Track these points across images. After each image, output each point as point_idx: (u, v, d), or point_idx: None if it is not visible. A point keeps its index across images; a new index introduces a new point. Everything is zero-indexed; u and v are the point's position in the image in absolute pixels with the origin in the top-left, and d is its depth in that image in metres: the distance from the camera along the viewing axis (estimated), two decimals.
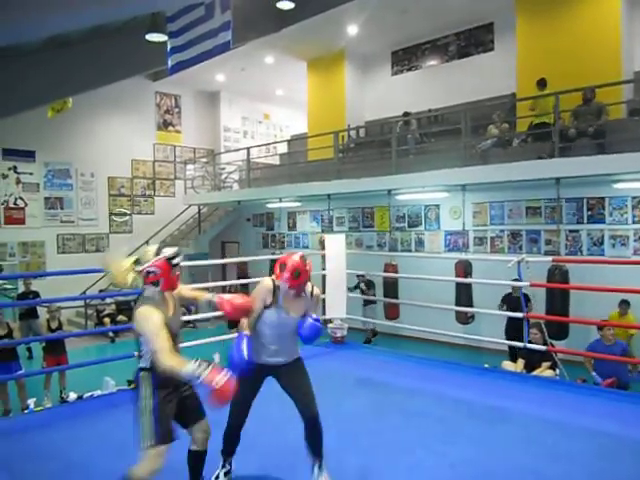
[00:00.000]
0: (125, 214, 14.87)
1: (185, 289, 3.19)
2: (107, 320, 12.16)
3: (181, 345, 4.70)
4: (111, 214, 14.61)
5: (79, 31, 8.17)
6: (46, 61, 8.62)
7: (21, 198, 13.04)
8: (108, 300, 12.62)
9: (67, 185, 13.76)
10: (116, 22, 8.50)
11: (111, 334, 11.42)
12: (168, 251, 2.83)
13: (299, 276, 3.12)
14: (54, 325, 7.64)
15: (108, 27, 8.64)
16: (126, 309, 12.73)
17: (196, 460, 3.04)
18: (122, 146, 14.62)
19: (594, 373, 6.56)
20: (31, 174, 13.16)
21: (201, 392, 2.90)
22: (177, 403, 2.87)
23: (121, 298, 12.79)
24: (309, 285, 3.28)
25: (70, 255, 13.58)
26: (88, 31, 8.43)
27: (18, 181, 12.99)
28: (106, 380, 7.04)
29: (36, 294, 9.92)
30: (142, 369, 2.81)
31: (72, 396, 7.13)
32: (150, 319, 2.70)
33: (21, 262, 12.90)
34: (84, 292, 12.08)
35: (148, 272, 2.79)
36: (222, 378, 2.52)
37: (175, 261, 2.83)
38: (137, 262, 2.83)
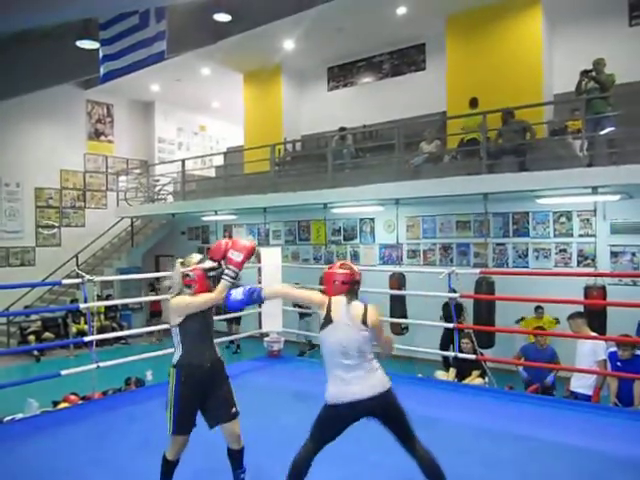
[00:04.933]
0: (53, 226, 14.23)
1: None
2: (32, 338, 11.53)
3: (112, 362, 4.65)
4: (38, 226, 13.95)
5: (1, 35, 7.84)
6: None
7: None
8: (33, 317, 12.02)
9: None
10: (44, 27, 8.22)
11: (36, 353, 10.85)
12: (208, 264, 3.25)
13: None
14: None
15: (35, 32, 8.33)
16: (52, 326, 12.15)
17: (231, 456, 3.28)
18: (50, 156, 14.02)
19: (521, 369, 6.95)
20: None
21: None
22: (202, 399, 3.15)
23: (48, 314, 12.24)
24: None
25: None
26: (12, 36, 8.10)
27: None
28: (29, 402, 6.67)
29: None
30: (172, 365, 3.17)
31: None
32: (181, 299, 3.14)
33: None
34: (7, 309, 11.45)
35: (186, 275, 3.20)
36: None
37: (211, 273, 3.24)
38: (182, 264, 3.25)
